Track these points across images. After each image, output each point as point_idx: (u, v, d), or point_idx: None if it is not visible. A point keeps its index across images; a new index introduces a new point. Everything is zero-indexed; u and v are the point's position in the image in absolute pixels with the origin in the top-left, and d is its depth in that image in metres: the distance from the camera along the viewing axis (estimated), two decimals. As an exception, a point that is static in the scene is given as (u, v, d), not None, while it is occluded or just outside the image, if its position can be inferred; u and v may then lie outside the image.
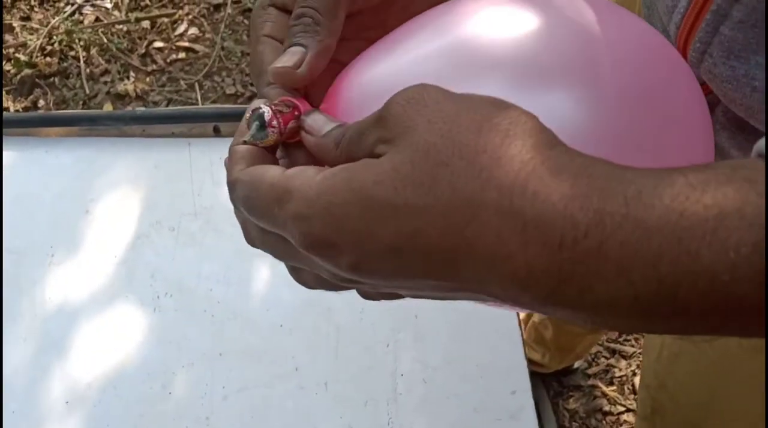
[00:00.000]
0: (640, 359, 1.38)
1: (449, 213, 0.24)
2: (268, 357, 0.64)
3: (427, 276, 0.26)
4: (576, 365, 1.34)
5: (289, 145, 0.34)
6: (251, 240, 0.33)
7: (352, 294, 0.69)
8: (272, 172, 0.29)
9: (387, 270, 0.26)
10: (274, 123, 0.32)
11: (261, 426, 0.61)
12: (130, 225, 0.70)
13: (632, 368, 1.36)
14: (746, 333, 0.24)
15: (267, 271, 0.69)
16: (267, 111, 0.32)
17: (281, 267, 0.73)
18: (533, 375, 1.27)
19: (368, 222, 0.25)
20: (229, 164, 0.32)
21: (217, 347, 0.64)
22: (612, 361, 1.38)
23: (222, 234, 0.70)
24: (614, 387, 1.34)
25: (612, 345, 1.39)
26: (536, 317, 1.18)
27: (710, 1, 0.34)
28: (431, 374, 0.64)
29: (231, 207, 0.76)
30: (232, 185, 0.31)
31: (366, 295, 0.32)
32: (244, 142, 0.32)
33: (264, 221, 0.29)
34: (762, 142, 0.24)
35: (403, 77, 0.30)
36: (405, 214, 0.25)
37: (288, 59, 0.33)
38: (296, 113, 0.33)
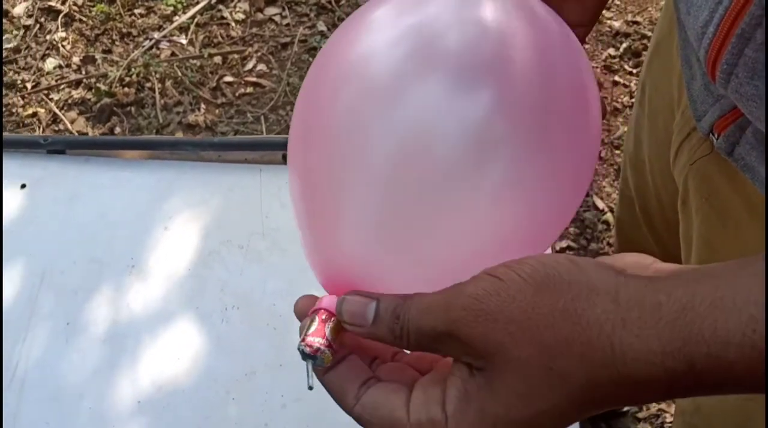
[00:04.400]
0: (692, 405, 1.35)
1: (575, 400, 0.28)
2: (325, 371, 0.67)
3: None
4: (626, 407, 1.33)
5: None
6: None
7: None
8: (397, 415, 0.31)
9: None
10: (324, 353, 0.32)
11: (316, 435, 0.64)
12: (204, 242, 0.76)
13: (683, 414, 1.34)
14: None
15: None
16: (304, 348, 0.32)
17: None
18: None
19: None
20: (335, 393, 0.34)
21: (278, 358, 0.68)
22: (663, 406, 1.36)
23: (287, 254, 0.75)
24: (664, 433, 1.32)
25: (663, 390, 1.37)
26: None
27: (736, 26, 0.37)
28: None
29: (295, 228, 0.81)
30: (357, 418, 0.33)
31: None
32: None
33: None
34: None
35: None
36: (543, 418, 0.29)
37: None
38: (323, 317, 0.32)
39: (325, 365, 0.32)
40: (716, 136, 0.47)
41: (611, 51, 1.80)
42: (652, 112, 0.68)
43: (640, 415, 1.35)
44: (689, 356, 0.27)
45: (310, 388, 0.33)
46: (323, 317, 0.32)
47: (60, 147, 0.82)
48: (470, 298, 0.29)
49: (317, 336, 0.32)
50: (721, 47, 0.39)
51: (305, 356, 0.32)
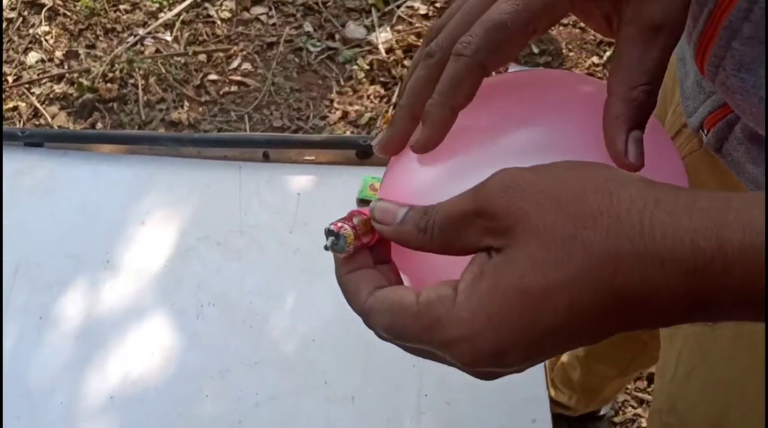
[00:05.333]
0: (667, 410, 1.36)
1: (593, 275, 0.27)
2: (300, 369, 0.67)
3: (582, 339, 0.28)
4: (603, 412, 1.33)
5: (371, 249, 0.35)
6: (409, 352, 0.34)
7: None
8: (407, 300, 0.30)
9: (548, 353, 0.29)
10: (345, 233, 0.34)
11: (289, 433, 0.64)
12: (181, 238, 0.75)
13: (658, 419, 1.35)
14: None
15: (304, 288, 0.73)
16: (330, 226, 0.34)
17: (317, 284, 0.77)
18: (559, 418, 1.28)
19: (528, 315, 0.27)
20: (349, 291, 0.33)
21: (253, 356, 0.68)
22: (639, 411, 1.37)
23: (265, 252, 0.74)
24: (639, 437, 1.33)
25: (640, 394, 1.38)
26: (564, 358, 1.18)
27: (724, 19, 0.38)
28: (455, 396, 0.66)
29: (274, 226, 0.81)
30: (367, 314, 0.32)
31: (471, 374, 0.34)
32: (330, 250, 0.34)
33: (415, 344, 0.31)
34: None
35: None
36: (556, 293, 0.27)
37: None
38: (355, 213, 0.34)
39: (345, 248, 0.34)
40: (706, 132, 0.48)
41: (595, 59, 1.82)
42: None
43: (616, 419, 1.36)
44: (721, 239, 0.26)
45: (326, 248, 0.34)
46: (355, 213, 0.35)
47: (38, 140, 0.82)
48: (501, 175, 0.29)
49: (344, 221, 0.34)
50: (710, 40, 0.40)
51: (329, 234, 0.34)
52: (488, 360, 0.29)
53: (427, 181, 0.36)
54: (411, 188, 0.36)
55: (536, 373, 0.67)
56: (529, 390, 0.66)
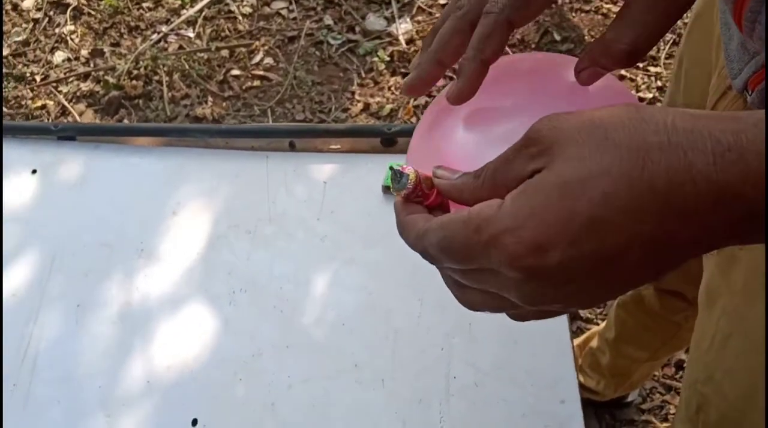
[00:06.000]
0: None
1: (624, 167, 0.29)
2: (330, 353, 0.68)
3: (623, 246, 0.29)
4: (630, 398, 1.33)
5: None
6: (463, 295, 0.36)
7: (410, 299, 0.73)
8: (460, 213, 0.33)
9: (592, 249, 0.30)
10: (408, 172, 0.37)
11: (321, 414, 0.65)
12: (212, 227, 0.77)
13: (687, 405, 1.34)
14: None
15: (331, 275, 0.74)
16: (396, 167, 0.38)
17: (345, 270, 0.78)
18: (587, 404, 1.28)
19: (566, 206, 0.29)
20: (408, 227, 0.36)
21: (284, 340, 0.69)
22: (667, 398, 1.36)
23: (293, 239, 0.76)
24: (668, 424, 1.33)
25: (668, 381, 1.38)
26: (594, 342, 1.18)
27: None
28: (482, 378, 0.67)
29: (301, 214, 0.82)
30: (422, 237, 0.35)
31: (519, 317, 0.36)
32: (396, 194, 0.38)
33: (467, 255, 0.32)
34: None
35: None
36: (590, 183, 0.29)
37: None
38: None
39: (406, 185, 0.37)
40: (750, 92, 0.49)
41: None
42: (688, 83, 0.70)
43: (644, 406, 1.35)
44: (736, 131, 0.28)
45: (387, 188, 0.39)
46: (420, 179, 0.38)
47: (70, 133, 0.84)
48: (546, 116, 0.33)
49: (409, 167, 0.38)
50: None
51: (393, 172, 0.37)
52: (531, 254, 0.30)
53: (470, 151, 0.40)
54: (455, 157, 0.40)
55: (564, 356, 0.68)
56: (557, 372, 0.67)
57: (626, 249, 0.29)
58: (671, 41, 1.81)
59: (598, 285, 0.31)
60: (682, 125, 0.29)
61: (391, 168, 0.37)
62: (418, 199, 0.38)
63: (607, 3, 1.89)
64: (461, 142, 0.41)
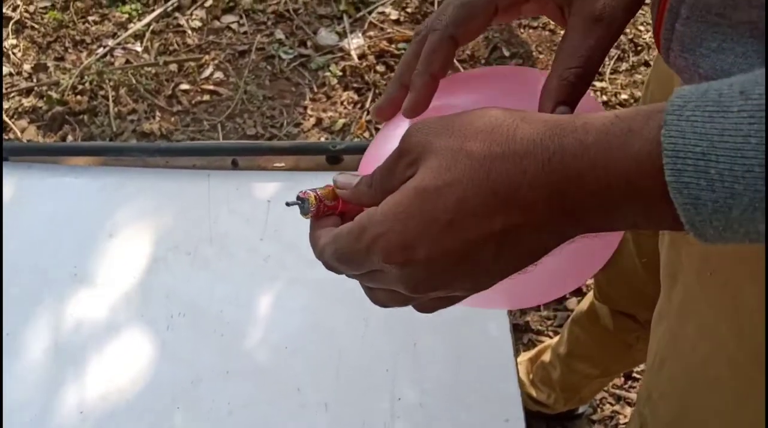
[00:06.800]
0: (645, 406, 1.38)
1: (474, 176, 0.33)
2: (272, 377, 0.67)
3: (479, 243, 0.34)
4: (581, 410, 1.34)
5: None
6: (374, 296, 0.41)
7: (354, 319, 0.72)
8: (347, 226, 0.37)
9: (454, 246, 0.34)
10: (308, 196, 0.41)
11: (263, 441, 0.63)
12: (150, 248, 0.75)
13: (636, 415, 1.36)
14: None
15: (274, 296, 0.72)
16: (299, 194, 0.42)
17: (289, 292, 0.77)
18: (538, 416, 1.28)
19: (426, 211, 0.34)
20: (313, 244, 0.40)
21: (224, 365, 0.67)
22: (617, 408, 1.38)
23: (235, 260, 0.74)
24: (618, 434, 1.34)
25: (618, 391, 1.39)
26: (546, 357, 1.19)
27: (666, 2, 0.40)
28: (427, 399, 0.66)
29: (244, 234, 0.81)
30: (322, 252, 0.39)
31: (422, 307, 0.40)
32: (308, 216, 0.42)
33: (355, 262, 0.37)
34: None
35: None
36: (445, 190, 0.33)
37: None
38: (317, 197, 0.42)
39: (309, 209, 0.41)
40: None
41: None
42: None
43: (594, 417, 1.36)
44: (561, 137, 0.33)
45: (287, 204, 0.43)
46: (325, 187, 0.42)
47: (1, 154, 0.81)
48: (417, 122, 0.37)
49: (310, 190, 0.41)
50: (660, 23, 0.42)
51: (297, 199, 0.41)
52: (401, 252, 0.34)
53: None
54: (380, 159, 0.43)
55: (507, 371, 0.67)
56: (501, 389, 0.67)
57: (483, 244, 0.34)
58: (616, 56, 1.85)
59: (469, 273, 0.35)
60: (521, 134, 0.33)
61: (297, 198, 0.41)
62: (329, 212, 0.41)
63: (554, 19, 1.93)
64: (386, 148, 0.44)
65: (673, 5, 0.40)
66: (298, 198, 0.41)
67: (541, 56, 1.85)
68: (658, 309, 0.63)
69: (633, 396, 1.38)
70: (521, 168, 0.33)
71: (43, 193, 0.78)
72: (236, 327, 0.70)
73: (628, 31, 1.89)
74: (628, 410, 1.36)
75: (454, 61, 1.62)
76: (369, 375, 0.67)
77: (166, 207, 0.78)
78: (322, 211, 0.41)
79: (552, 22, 1.89)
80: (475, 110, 0.36)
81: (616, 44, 1.86)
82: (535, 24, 1.91)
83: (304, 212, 0.41)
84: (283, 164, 0.83)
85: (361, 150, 0.85)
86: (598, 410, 1.37)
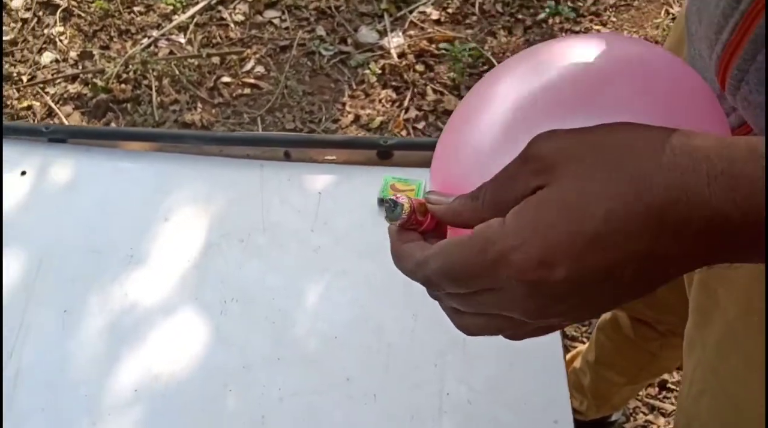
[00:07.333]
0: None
1: (624, 188, 0.30)
2: (322, 366, 0.67)
3: (624, 262, 0.30)
4: (614, 418, 1.33)
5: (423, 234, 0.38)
6: (462, 322, 0.36)
7: (403, 314, 0.72)
8: (457, 238, 0.33)
9: (596, 265, 0.30)
10: (402, 202, 0.37)
11: (312, 429, 0.64)
12: (204, 234, 0.76)
13: (670, 426, 1.35)
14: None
15: (324, 287, 0.73)
16: (390, 197, 0.38)
17: (338, 283, 0.77)
18: (569, 423, 1.27)
19: (570, 222, 0.30)
20: (404, 257, 0.36)
21: (275, 352, 0.68)
22: (650, 417, 1.37)
23: (286, 249, 0.75)
24: (650, 444, 1.33)
25: (651, 401, 1.38)
26: (577, 363, 1.18)
27: (750, 31, 0.38)
28: (475, 396, 0.66)
29: (295, 225, 0.81)
30: (422, 264, 0.34)
31: (515, 336, 0.36)
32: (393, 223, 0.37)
33: (474, 277, 0.32)
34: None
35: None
36: (593, 203, 0.30)
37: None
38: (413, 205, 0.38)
39: (401, 214, 0.37)
40: None
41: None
42: None
43: (627, 426, 1.35)
44: (730, 155, 0.29)
45: (380, 201, 0.39)
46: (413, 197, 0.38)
47: (61, 136, 0.82)
48: (544, 132, 0.33)
49: (405, 197, 0.37)
50: (734, 53, 0.40)
51: (387, 202, 0.37)
52: (539, 268, 0.30)
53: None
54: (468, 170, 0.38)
55: (558, 376, 0.67)
56: (550, 392, 0.66)
57: (624, 265, 0.30)
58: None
59: (595, 298, 0.32)
60: (680, 147, 0.30)
61: (382, 200, 0.38)
62: (413, 227, 0.38)
63: (596, 24, 1.91)
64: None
65: (759, 35, 0.38)
66: (392, 200, 0.37)
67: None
68: (689, 338, 0.62)
69: (667, 406, 1.36)
70: (682, 181, 0.29)
71: (101, 176, 0.80)
72: (287, 316, 0.70)
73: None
74: (662, 420, 1.35)
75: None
76: (417, 370, 0.68)
77: (220, 194, 0.79)
78: (410, 223, 0.37)
79: (594, 27, 1.88)
80: (613, 124, 0.32)
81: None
82: (576, 29, 1.90)
83: (393, 217, 0.37)
84: (334, 157, 0.83)
85: (411, 146, 0.85)
86: (631, 419, 1.36)
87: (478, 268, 0.32)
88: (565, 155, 0.31)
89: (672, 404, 1.37)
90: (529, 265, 0.30)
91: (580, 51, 0.38)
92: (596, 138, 0.32)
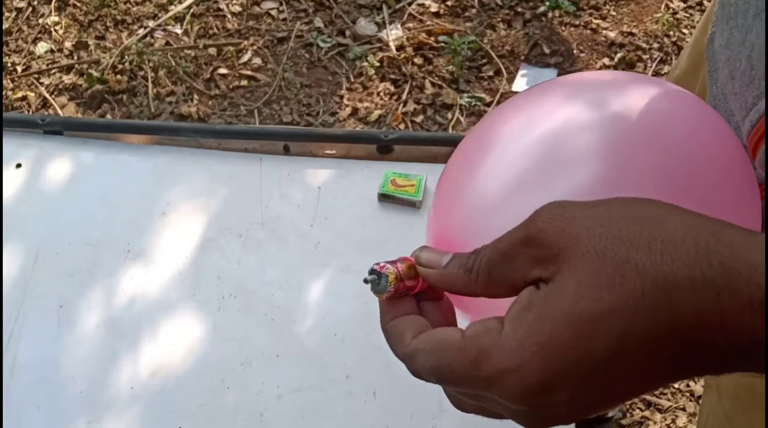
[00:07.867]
0: (676, 413, 1.36)
1: (647, 302, 0.25)
2: (322, 363, 0.67)
3: (632, 380, 0.27)
4: (610, 414, 1.33)
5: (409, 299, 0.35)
6: (460, 405, 0.33)
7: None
8: (453, 335, 0.29)
9: (597, 397, 0.27)
10: (387, 273, 0.33)
11: (311, 426, 0.63)
12: (202, 229, 0.75)
13: (667, 422, 1.35)
14: None
15: (324, 282, 0.72)
16: (374, 267, 0.34)
17: (338, 279, 0.76)
18: (566, 418, 1.28)
19: (578, 343, 0.26)
20: (393, 338, 0.32)
21: (274, 348, 0.67)
22: (647, 413, 1.37)
23: (285, 244, 0.74)
24: (647, 440, 1.33)
25: (648, 397, 1.38)
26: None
27: None
28: (477, 393, 0.66)
29: (295, 220, 0.80)
30: (411, 357, 0.31)
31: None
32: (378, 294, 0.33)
33: (462, 386, 0.29)
34: None
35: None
36: (608, 319, 0.25)
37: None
38: (397, 262, 0.34)
39: (386, 288, 0.33)
40: None
41: (605, 60, 1.81)
42: None
43: (624, 422, 1.35)
44: None
45: (366, 281, 0.34)
46: (402, 259, 0.34)
47: (57, 128, 0.81)
48: (550, 205, 0.28)
49: (388, 263, 0.34)
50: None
51: (371, 273, 0.34)
52: (537, 395, 0.27)
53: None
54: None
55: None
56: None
57: (637, 384, 0.27)
58: (658, 59, 1.82)
59: (602, 404, 0.29)
60: (718, 259, 0.25)
61: (371, 271, 0.34)
62: (404, 292, 0.34)
63: (596, 18, 1.90)
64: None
65: None
66: (374, 271, 0.33)
67: (582, 55, 1.83)
68: (706, 379, 0.60)
69: (663, 402, 1.37)
70: (717, 305, 0.25)
71: (97, 168, 0.79)
72: (286, 312, 0.70)
73: (671, 33, 1.86)
74: (658, 416, 1.35)
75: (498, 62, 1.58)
76: (418, 367, 0.67)
77: (219, 188, 0.78)
78: (399, 292, 0.34)
79: (593, 20, 1.87)
80: (636, 199, 0.27)
81: (659, 46, 1.83)
82: (576, 22, 1.89)
83: (379, 290, 0.33)
84: (334, 151, 0.82)
85: (411, 140, 0.85)
86: (628, 415, 1.36)
87: (470, 380, 0.29)
88: (572, 243, 0.27)
89: (668, 400, 1.38)
90: (526, 392, 0.27)
91: (599, 102, 0.35)
92: (611, 218, 0.27)
